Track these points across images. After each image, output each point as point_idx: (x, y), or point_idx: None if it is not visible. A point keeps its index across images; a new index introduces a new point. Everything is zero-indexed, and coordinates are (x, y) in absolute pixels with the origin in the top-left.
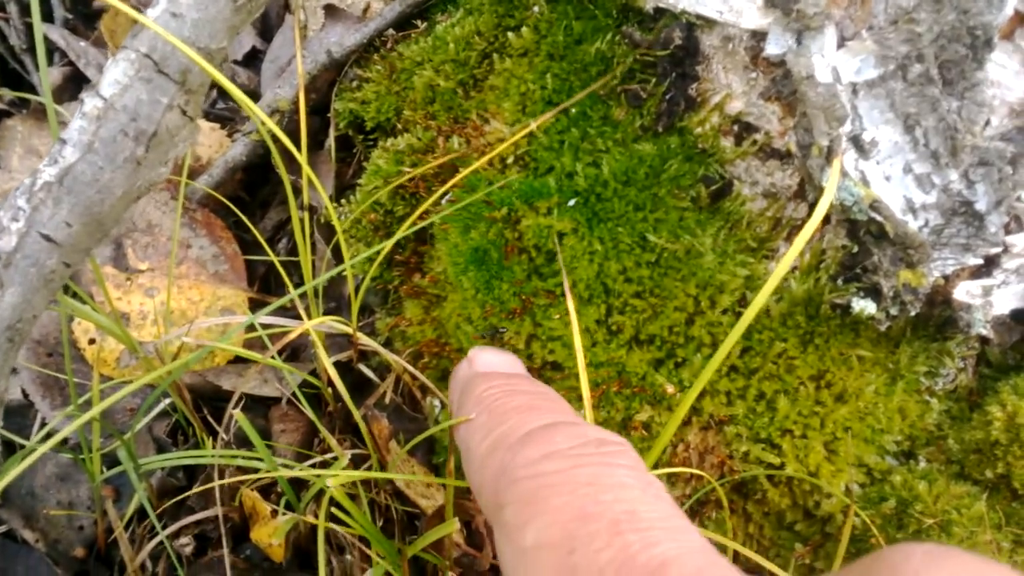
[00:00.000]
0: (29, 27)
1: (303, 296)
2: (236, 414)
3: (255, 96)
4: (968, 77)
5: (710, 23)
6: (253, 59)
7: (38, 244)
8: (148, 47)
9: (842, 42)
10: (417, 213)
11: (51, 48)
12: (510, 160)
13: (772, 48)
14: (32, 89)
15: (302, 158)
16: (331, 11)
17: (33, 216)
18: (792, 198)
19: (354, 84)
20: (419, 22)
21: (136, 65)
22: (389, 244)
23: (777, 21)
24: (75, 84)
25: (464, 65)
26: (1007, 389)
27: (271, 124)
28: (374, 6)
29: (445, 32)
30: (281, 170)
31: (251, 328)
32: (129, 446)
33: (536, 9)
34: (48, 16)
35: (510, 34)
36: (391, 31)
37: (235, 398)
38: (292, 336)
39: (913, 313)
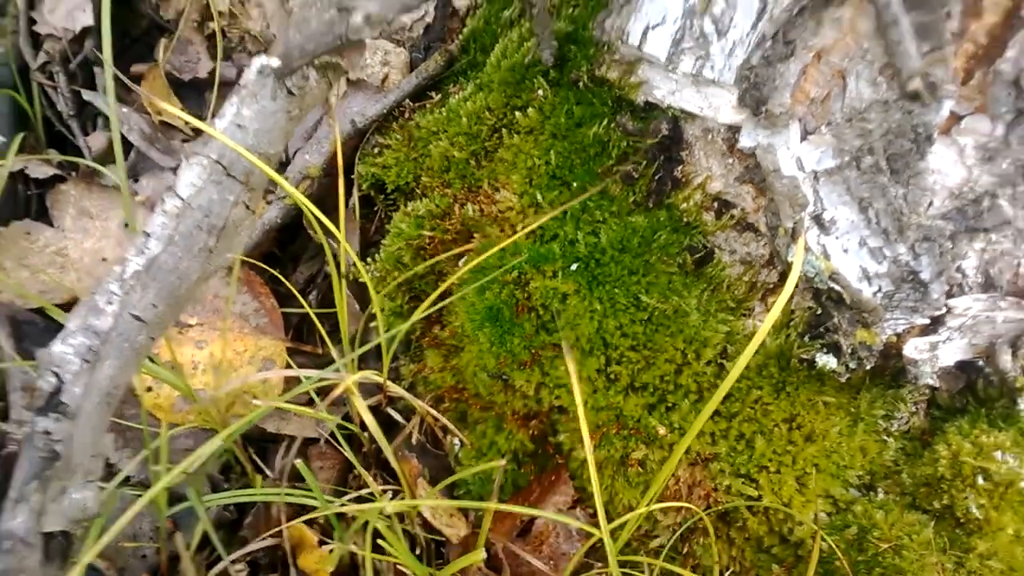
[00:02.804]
0: (75, 94)
1: (335, 341)
2: (298, 464)
3: (284, 160)
4: (912, 167)
5: (692, 117)
6: None
7: (130, 323)
8: (217, 154)
9: (805, 135)
10: (441, 289)
11: (95, 113)
12: (519, 227)
13: (745, 141)
14: (78, 152)
15: (341, 236)
16: (353, 82)
17: (125, 299)
18: (764, 265)
19: (375, 150)
20: (434, 93)
21: (208, 170)
22: (418, 314)
23: (748, 118)
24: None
25: (476, 138)
26: (953, 430)
27: (302, 199)
28: (392, 77)
29: (458, 106)
30: (319, 234)
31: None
32: (197, 484)
33: (540, 92)
34: (91, 83)
35: (517, 113)
36: (408, 101)
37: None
38: (337, 392)
39: (869, 366)
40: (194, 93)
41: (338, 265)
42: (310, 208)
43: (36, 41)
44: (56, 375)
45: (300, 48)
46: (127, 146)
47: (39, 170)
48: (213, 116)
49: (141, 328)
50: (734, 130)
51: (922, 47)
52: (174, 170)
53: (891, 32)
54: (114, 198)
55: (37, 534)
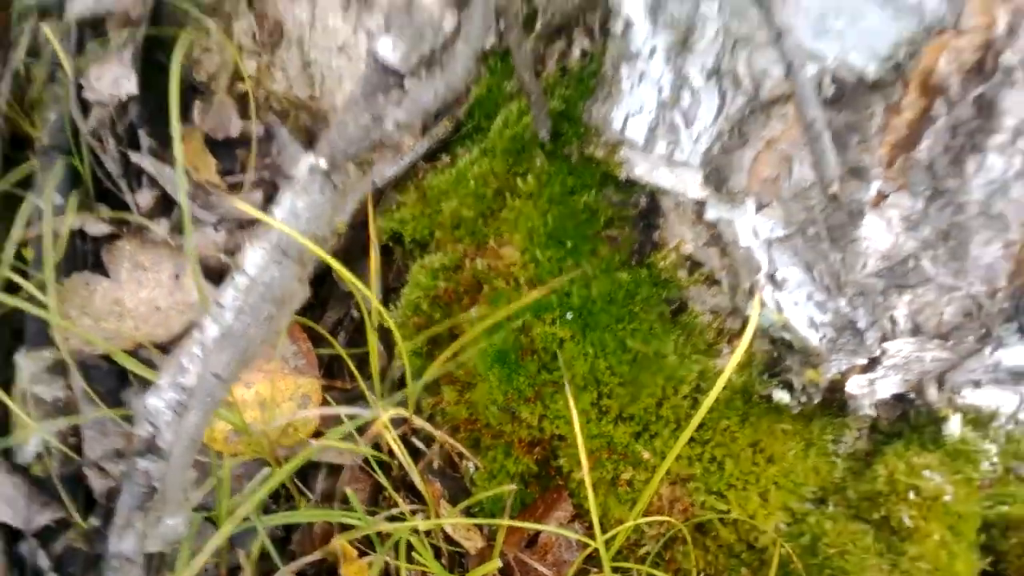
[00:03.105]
0: (123, 155)
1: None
2: (348, 492)
3: None
4: (848, 235)
5: (666, 192)
6: None
7: (210, 380)
8: (277, 239)
9: (759, 209)
10: (458, 343)
11: (138, 171)
12: (522, 280)
13: (710, 214)
14: (125, 207)
15: (372, 294)
16: None
17: (206, 360)
18: (729, 315)
19: (393, 206)
20: (444, 155)
21: (270, 252)
22: (439, 363)
23: (712, 195)
24: (164, 204)
25: (482, 199)
26: (890, 452)
27: (332, 261)
28: (407, 142)
29: (466, 169)
30: (351, 285)
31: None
32: (258, 507)
33: (538, 162)
34: (136, 144)
35: (518, 179)
36: (421, 162)
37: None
38: (374, 431)
39: (817, 400)
40: (226, 150)
41: (369, 312)
42: (339, 267)
43: (85, 107)
44: (152, 424)
45: (343, 151)
46: (171, 202)
47: (95, 227)
48: (243, 171)
49: (218, 384)
50: (701, 204)
51: (851, 143)
52: (215, 225)
53: (815, 146)
54: (162, 251)
55: (141, 555)
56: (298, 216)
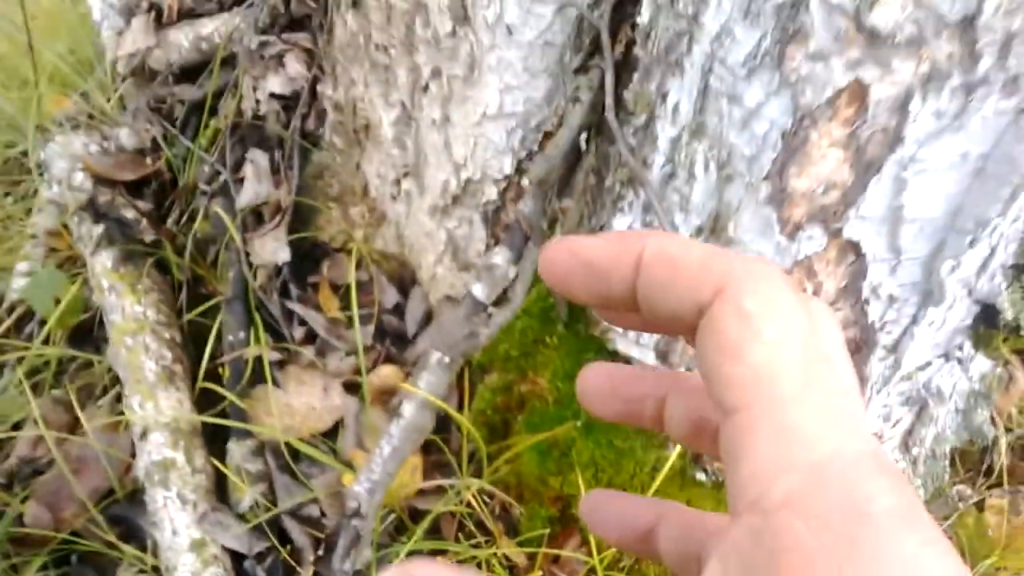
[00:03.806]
0: (282, 303)
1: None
2: (444, 529)
3: (404, 336)
4: None
5: (636, 359)
6: (398, 309)
7: (386, 476)
8: (421, 399)
9: (688, 371)
10: (514, 450)
11: (291, 313)
12: (550, 400)
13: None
14: (283, 338)
15: (463, 419)
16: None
17: (384, 464)
18: None
19: None
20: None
21: (417, 405)
22: (504, 458)
23: (659, 364)
24: (311, 335)
25: (524, 344)
26: None
27: (448, 408)
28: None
29: (514, 323)
30: (450, 413)
31: (428, 477)
32: (417, 538)
33: (559, 328)
34: (287, 293)
35: (547, 337)
36: None
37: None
38: (467, 497)
39: (721, 479)
40: (344, 293)
41: (460, 433)
42: (449, 409)
43: (252, 268)
44: (357, 500)
45: (453, 349)
46: (314, 334)
47: (271, 355)
48: (359, 308)
49: (390, 477)
50: (656, 367)
51: None
52: (347, 353)
53: None
54: (315, 371)
55: (352, 571)
56: (430, 385)
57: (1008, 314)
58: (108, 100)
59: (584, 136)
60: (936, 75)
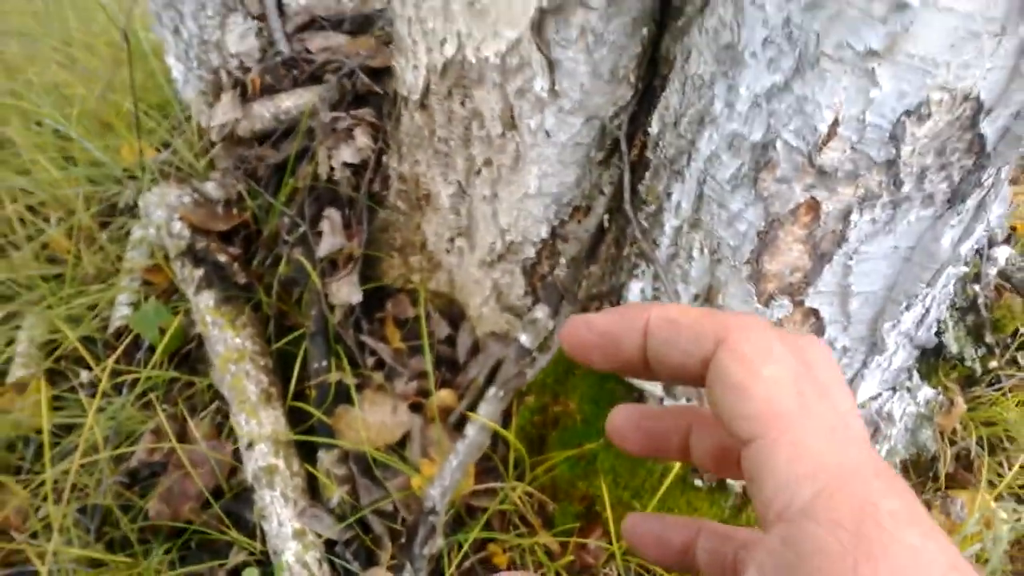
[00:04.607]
0: (355, 335)
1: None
2: (495, 523)
3: (456, 363)
4: None
5: (646, 390)
6: (450, 340)
7: (454, 480)
8: (481, 424)
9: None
10: (549, 453)
11: (362, 344)
12: (578, 419)
13: (666, 403)
14: (357, 365)
15: (508, 434)
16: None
17: (452, 475)
18: None
19: None
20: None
21: (476, 429)
22: (542, 468)
23: (665, 394)
24: (381, 363)
25: (556, 373)
26: (751, 505)
27: (499, 429)
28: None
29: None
30: (499, 431)
31: (479, 480)
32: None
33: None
34: (360, 327)
35: (575, 367)
36: None
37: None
38: (515, 500)
39: (715, 483)
40: (405, 326)
41: (507, 446)
42: (498, 428)
43: (331, 307)
44: (432, 500)
45: (504, 384)
46: (382, 361)
47: (349, 379)
48: (419, 339)
49: (456, 482)
50: (662, 399)
51: None
52: (408, 378)
53: None
54: (384, 393)
55: (428, 555)
56: (488, 413)
57: (953, 348)
58: (195, 155)
59: (607, 216)
60: (870, 196)
